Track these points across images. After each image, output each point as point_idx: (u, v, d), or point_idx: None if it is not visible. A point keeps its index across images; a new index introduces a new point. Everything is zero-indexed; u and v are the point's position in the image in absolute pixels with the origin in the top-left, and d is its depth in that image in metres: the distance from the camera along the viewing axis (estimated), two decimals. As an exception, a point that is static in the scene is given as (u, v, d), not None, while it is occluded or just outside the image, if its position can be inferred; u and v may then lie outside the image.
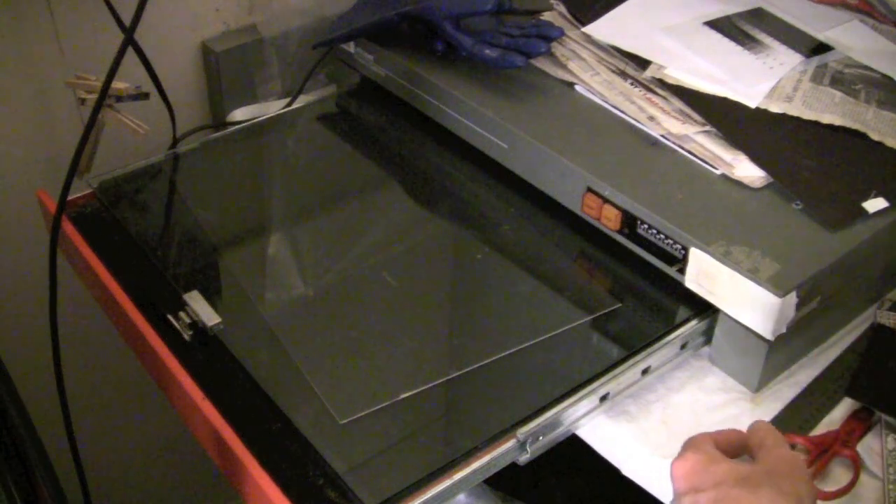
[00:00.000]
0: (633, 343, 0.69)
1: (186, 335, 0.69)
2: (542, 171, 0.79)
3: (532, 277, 0.77)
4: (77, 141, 0.78)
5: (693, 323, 0.70)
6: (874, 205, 0.71)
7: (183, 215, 0.84)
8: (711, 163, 0.76)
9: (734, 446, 0.54)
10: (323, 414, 0.64)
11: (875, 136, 0.77)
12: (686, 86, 0.82)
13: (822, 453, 0.64)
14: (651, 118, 0.80)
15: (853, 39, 0.91)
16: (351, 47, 0.97)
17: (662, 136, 0.79)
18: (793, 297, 0.64)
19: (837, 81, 0.84)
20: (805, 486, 0.50)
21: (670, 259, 0.70)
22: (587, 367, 0.67)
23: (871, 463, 0.64)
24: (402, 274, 0.77)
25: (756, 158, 0.75)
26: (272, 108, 1.01)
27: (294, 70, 1.03)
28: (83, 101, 0.83)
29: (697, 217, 0.70)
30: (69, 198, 0.79)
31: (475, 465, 0.60)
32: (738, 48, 0.88)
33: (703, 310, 0.70)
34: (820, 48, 0.89)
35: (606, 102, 0.83)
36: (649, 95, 0.83)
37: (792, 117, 0.80)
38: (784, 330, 0.65)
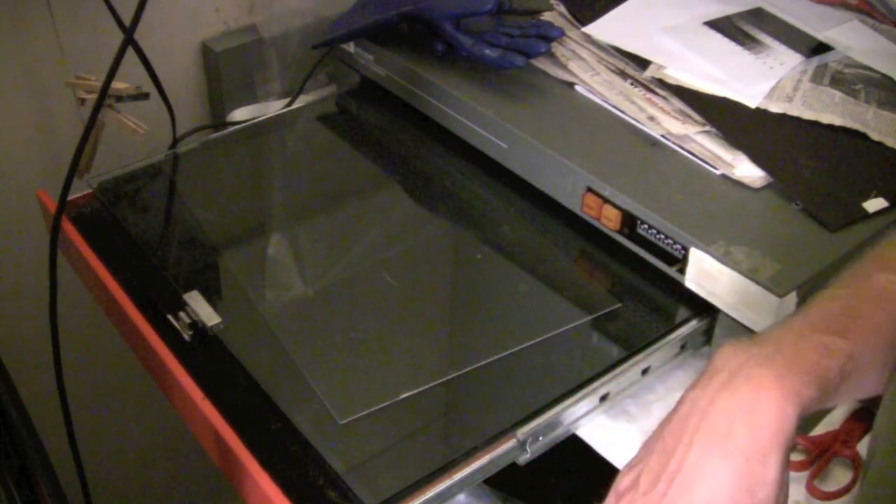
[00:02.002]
0: (632, 343, 0.69)
1: (186, 335, 0.69)
2: (542, 171, 0.79)
3: (532, 277, 0.77)
4: (77, 141, 0.78)
5: (693, 323, 0.70)
6: (874, 205, 0.71)
7: (183, 215, 0.84)
8: (711, 163, 0.76)
9: None
10: (323, 414, 0.63)
11: (875, 136, 0.77)
12: (686, 86, 0.82)
13: (822, 453, 0.64)
14: (651, 118, 0.80)
15: (853, 39, 0.91)
16: (351, 47, 0.97)
17: (662, 136, 0.79)
18: (793, 297, 0.63)
19: (837, 81, 0.84)
20: None
21: (670, 259, 0.70)
22: (587, 367, 0.67)
23: (871, 463, 0.64)
24: (402, 274, 0.77)
25: (756, 158, 0.75)
26: (272, 108, 1.01)
27: (294, 70, 1.03)
28: (83, 101, 0.83)
29: (697, 217, 0.70)
30: (69, 198, 0.79)
31: (475, 465, 0.60)
32: (738, 48, 0.88)
33: (703, 310, 0.70)
34: (820, 48, 0.89)
35: (606, 102, 0.83)
36: (649, 95, 0.83)
37: (792, 117, 0.80)
38: (784, 330, 0.65)
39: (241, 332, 0.70)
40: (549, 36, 0.86)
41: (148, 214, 0.84)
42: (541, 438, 0.63)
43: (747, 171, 0.74)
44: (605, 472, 0.66)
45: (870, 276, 0.52)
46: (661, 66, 0.84)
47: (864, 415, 0.67)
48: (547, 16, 0.94)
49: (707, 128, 0.78)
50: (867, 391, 0.51)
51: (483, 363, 0.68)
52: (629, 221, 0.72)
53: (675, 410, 0.49)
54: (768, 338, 0.49)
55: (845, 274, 0.53)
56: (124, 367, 1.13)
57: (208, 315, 0.69)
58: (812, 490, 0.62)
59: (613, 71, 0.86)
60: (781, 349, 0.48)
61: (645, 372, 0.69)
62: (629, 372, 0.67)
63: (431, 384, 0.66)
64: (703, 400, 0.47)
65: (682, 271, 0.70)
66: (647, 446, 0.49)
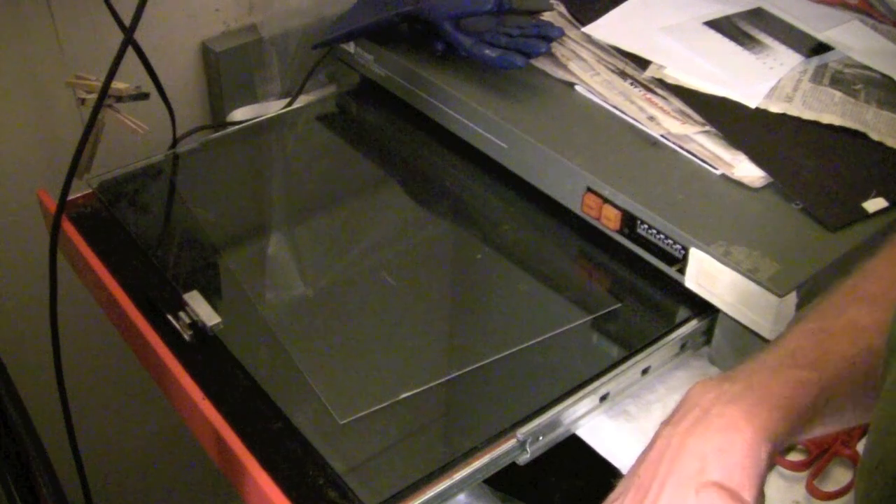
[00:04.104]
0: (632, 343, 0.69)
1: (186, 335, 0.69)
2: (542, 171, 0.79)
3: (532, 277, 0.77)
4: (77, 141, 0.78)
5: (693, 323, 0.70)
6: (874, 205, 0.71)
7: (183, 215, 0.84)
8: (711, 163, 0.76)
9: None
10: (323, 414, 0.64)
11: (875, 136, 0.77)
12: (686, 86, 0.82)
13: (822, 453, 0.64)
14: (651, 118, 0.80)
15: (853, 39, 0.91)
16: (351, 47, 0.97)
17: (662, 136, 0.79)
18: (793, 297, 0.64)
19: (837, 81, 0.84)
20: None
21: (670, 259, 0.70)
22: (587, 367, 0.67)
23: (871, 463, 0.64)
24: (402, 274, 0.77)
25: (756, 158, 0.75)
26: (272, 108, 1.01)
27: (294, 70, 1.03)
28: (83, 101, 0.83)
29: (697, 217, 0.70)
30: (69, 198, 0.79)
31: (475, 465, 0.60)
32: (738, 48, 0.88)
33: (703, 310, 0.70)
34: (820, 48, 0.89)
35: (606, 102, 0.83)
36: (649, 95, 0.83)
37: (792, 117, 0.80)
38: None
39: (241, 332, 0.70)
40: (549, 36, 0.86)
41: (148, 214, 0.84)
42: (541, 438, 0.63)
43: (747, 171, 0.74)
44: (605, 472, 0.66)
45: (843, 310, 0.52)
46: (660, 66, 0.84)
47: (864, 415, 0.67)
48: (547, 16, 0.94)
49: (707, 128, 0.78)
50: (843, 423, 0.51)
51: (483, 363, 0.68)
52: (629, 221, 0.72)
53: (649, 447, 0.49)
54: (740, 374, 0.49)
55: (819, 307, 0.54)
56: (124, 367, 1.13)
57: (208, 315, 0.69)
58: (812, 490, 0.62)
59: (613, 71, 0.86)
60: (752, 385, 0.48)
61: (645, 372, 0.69)
62: (629, 372, 0.67)
63: (431, 384, 0.66)
64: (675, 438, 0.47)
65: (682, 271, 0.70)
66: (625, 483, 0.49)
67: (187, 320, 0.70)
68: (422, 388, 0.65)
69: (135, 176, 0.88)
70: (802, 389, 0.48)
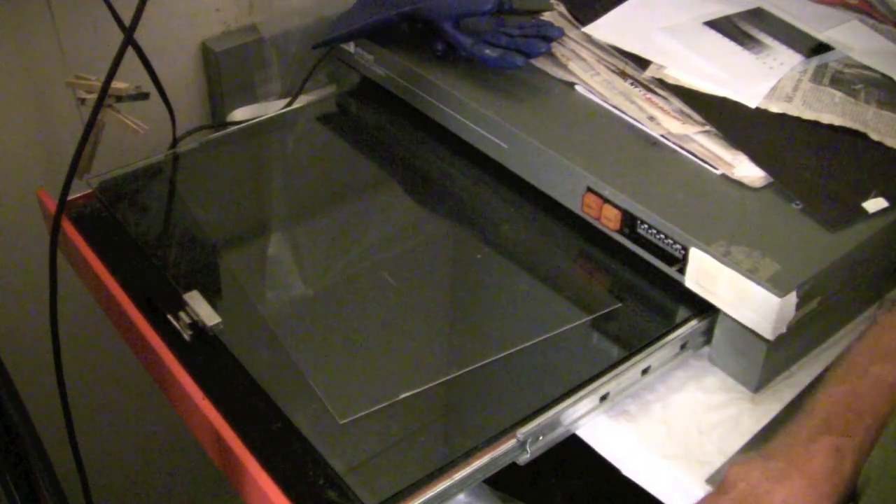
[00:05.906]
0: (633, 343, 0.69)
1: (186, 335, 0.69)
2: (542, 171, 0.79)
3: (532, 277, 0.77)
4: (77, 141, 0.78)
5: (693, 323, 0.70)
6: (874, 205, 0.71)
7: (183, 215, 0.84)
8: (711, 163, 0.76)
9: None
10: (323, 414, 0.64)
11: (875, 136, 0.77)
12: (686, 86, 0.82)
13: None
14: (651, 118, 0.80)
15: (853, 39, 0.91)
16: (351, 47, 0.97)
17: (662, 136, 0.79)
18: (793, 297, 0.64)
19: (837, 81, 0.84)
20: None
21: (670, 259, 0.70)
22: (587, 367, 0.67)
23: (871, 463, 0.64)
24: (402, 274, 0.77)
25: (756, 158, 0.75)
26: (272, 108, 1.01)
27: (294, 70, 1.04)
28: (83, 101, 0.83)
29: (697, 217, 0.70)
30: (69, 198, 0.79)
31: (475, 465, 0.60)
32: (738, 48, 0.88)
33: (703, 310, 0.70)
34: (820, 48, 0.89)
35: (606, 102, 0.83)
36: (649, 95, 0.83)
37: (792, 117, 0.80)
38: (784, 330, 0.65)
39: (241, 332, 0.70)
40: (549, 36, 0.86)
41: (148, 214, 0.84)
42: (541, 438, 0.63)
43: (747, 171, 0.74)
44: (605, 472, 0.66)
45: (866, 370, 0.53)
46: (661, 66, 0.84)
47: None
48: (547, 16, 0.94)
49: (707, 128, 0.78)
50: None
51: (483, 363, 0.68)
52: (629, 221, 0.72)
53: None
54: (778, 449, 0.50)
55: (841, 368, 0.55)
56: (124, 367, 1.13)
57: (208, 315, 0.69)
58: None
59: (613, 71, 0.86)
60: (794, 461, 0.49)
61: (645, 372, 0.69)
62: (629, 372, 0.67)
63: (431, 384, 0.66)
64: None
65: (682, 271, 0.70)
66: None
67: (187, 320, 0.70)
68: (422, 388, 0.65)
69: (135, 176, 0.88)
70: (843, 457, 0.49)
